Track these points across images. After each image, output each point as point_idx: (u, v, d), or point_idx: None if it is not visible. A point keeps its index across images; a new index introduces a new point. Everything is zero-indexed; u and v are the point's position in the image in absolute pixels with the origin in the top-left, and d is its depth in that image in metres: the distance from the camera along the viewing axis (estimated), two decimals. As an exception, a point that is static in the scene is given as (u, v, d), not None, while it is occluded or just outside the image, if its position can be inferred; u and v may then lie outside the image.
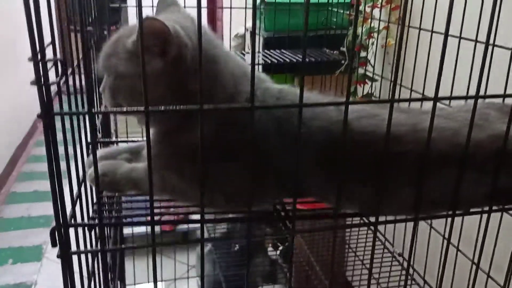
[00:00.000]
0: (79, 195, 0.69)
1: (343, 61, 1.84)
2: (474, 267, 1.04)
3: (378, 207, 0.64)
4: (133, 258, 2.28)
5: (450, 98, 0.61)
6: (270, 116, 0.68)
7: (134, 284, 2.24)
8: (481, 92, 0.91)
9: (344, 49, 1.84)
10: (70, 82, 0.67)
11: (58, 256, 0.55)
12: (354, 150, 0.66)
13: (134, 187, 0.73)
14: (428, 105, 0.62)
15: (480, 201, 0.69)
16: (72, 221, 0.62)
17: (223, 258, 2.32)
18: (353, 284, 1.54)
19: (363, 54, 1.86)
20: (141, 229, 2.62)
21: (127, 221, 0.69)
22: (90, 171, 0.73)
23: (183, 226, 2.94)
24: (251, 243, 2.41)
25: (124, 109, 0.55)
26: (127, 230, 2.48)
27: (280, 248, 2.40)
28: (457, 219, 1.10)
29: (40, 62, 0.48)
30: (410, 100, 0.67)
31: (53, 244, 0.57)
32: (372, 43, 1.84)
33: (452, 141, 0.67)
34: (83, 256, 0.65)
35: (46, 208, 3.41)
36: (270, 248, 2.49)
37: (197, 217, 0.63)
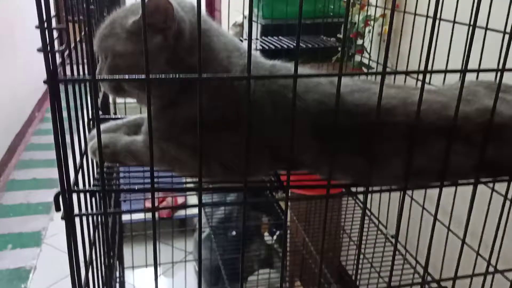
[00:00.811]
0: (81, 165, 0.71)
1: (339, 48, 1.86)
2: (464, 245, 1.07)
3: (369, 177, 0.66)
4: (131, 243, 2.31)
5: (439, 71, 0.63)
6: (264, 89, 0.70)
7: (132, 268, 2.28)
8: (473, 76, 0.93)
9: (341, 35, 1.86)
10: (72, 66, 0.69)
11: (62, 218, 0.58)
12: (347, 122, 0.69)
13: (134, 158, 0.75)
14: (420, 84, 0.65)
15: (468, 172, 0.72)
16: (75, 188, 0.65)
17: (220, 243, 2.35)
18: (347, 267, 1.58)
19: (359, 41, 1.88)
20: (140, 216, 2.66)
21: (127, 187, 0.72)
22: (92, 143, 0.75)
23: (181, 213, 2.97)
24: (248, 228, 2.44)
25: (126, 76, 0.57)
26: (125, 217, 2.52)
27: (276, 234, 2.44)
28: (448, 200, 1.13)
29: (47, 30, 0.51)
30: (401, 72, 0.70)
31: (57, 208, 0.60)
32: (369, 31, 1.87)
33: (441, 113, 0.69)
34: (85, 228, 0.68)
35: (45, 195, 3.44)
36: (266, 234, 2.53)
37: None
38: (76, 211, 0.62)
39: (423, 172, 0.70)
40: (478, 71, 0.66)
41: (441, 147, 0.67)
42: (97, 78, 0.56)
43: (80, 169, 0.70)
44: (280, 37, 1.91)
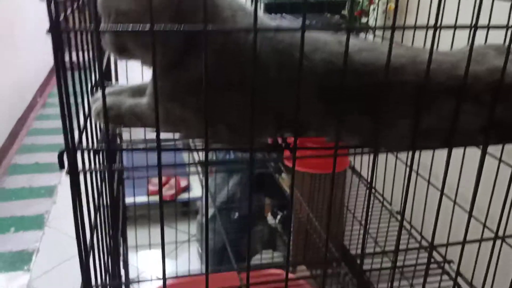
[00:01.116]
0: (85, 127, 0.71)
1: (343, 25, 1.84)
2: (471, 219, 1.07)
3: (377, 137, 0.65)
4: (135, 225, 2.31)
5: (449, 26, 0.62)
6: (270, 50, 0.69)
7: (136, 249, 2.28)
8: (482, 37, 0.92)
9: (345, 12, 1.85)
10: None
11: (67, 173, 0.57)
12: (355, 81, 0.67)
13: (138, 120, 0.74)
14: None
15: (476, 132, 0.71)
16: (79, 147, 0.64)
17: (223, 225, 2.36)
18: (351, 241, 1.58)
19: (364, 20, 1.86)
20: (143, 198, 2.65)
21: (131, 147, 0.71)
22: (96, 105, 0.74)
23: (184, 196, 2.97)
24: (251, 210, 2.44)
25: (130, 26, 0.56)
26: (128, 200, 2.51)
27: (279, 216, 2.44)
28: (454, 176, 1.12)
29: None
30: (410, 27, 0.69)
31: (61, 166, 0.59)
32: (374, 9, 1.85)
33: (451, 73, 0.68)
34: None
35: (47, 179, 3.44)
36: (269, 217, 2.52)
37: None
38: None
39: (431, 132, 0.69)
40: (488, 27, 0.65)
41: (450, 106, 0.66)
42: (100, 30, 0.55)
43: (84, 131, 0.70)
44: (283, 14, 1.89)
